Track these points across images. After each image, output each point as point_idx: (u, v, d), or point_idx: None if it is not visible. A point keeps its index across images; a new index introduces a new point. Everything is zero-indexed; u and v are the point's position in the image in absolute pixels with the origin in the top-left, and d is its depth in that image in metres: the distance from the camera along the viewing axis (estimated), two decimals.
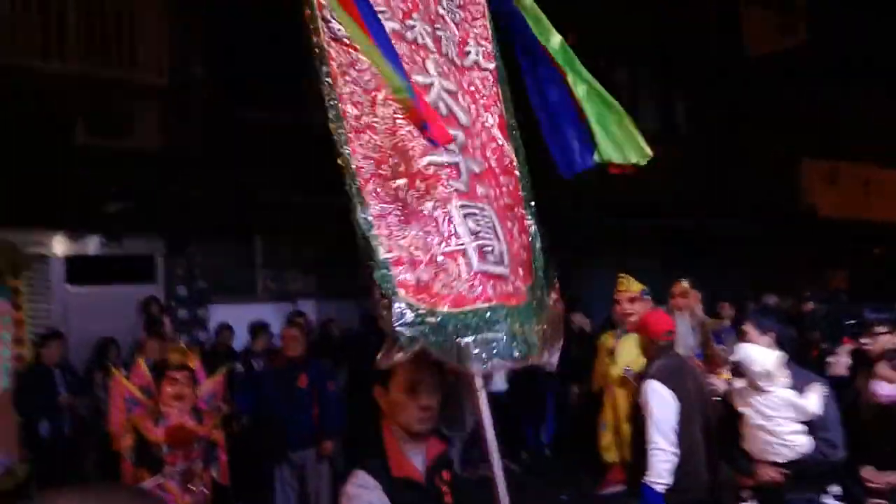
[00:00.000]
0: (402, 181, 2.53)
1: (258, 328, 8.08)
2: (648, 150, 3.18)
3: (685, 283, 6.80)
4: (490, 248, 2.61)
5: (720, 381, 5.03)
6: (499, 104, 3.02)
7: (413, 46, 2.74)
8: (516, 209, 2.89)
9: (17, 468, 5.26)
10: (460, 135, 2.79)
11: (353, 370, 7.35)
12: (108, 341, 7.64)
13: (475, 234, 2.59)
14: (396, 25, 2.71)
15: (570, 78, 3.13)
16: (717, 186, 12.70)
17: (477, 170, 2.78)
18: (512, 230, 2.80)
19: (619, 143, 3.15)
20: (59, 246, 8.25)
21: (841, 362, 5.38)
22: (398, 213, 2.48)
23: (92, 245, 8.41)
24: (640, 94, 13.04)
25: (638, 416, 4.21)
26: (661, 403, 4.03)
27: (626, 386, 5.65)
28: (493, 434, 2.52)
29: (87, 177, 7.48)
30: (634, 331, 4.95)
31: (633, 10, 11.47)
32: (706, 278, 11.75)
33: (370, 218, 2.43)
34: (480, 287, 2.49)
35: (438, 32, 2.89)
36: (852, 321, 6.57)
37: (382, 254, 2.37)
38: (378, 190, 2.49)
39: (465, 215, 2.60)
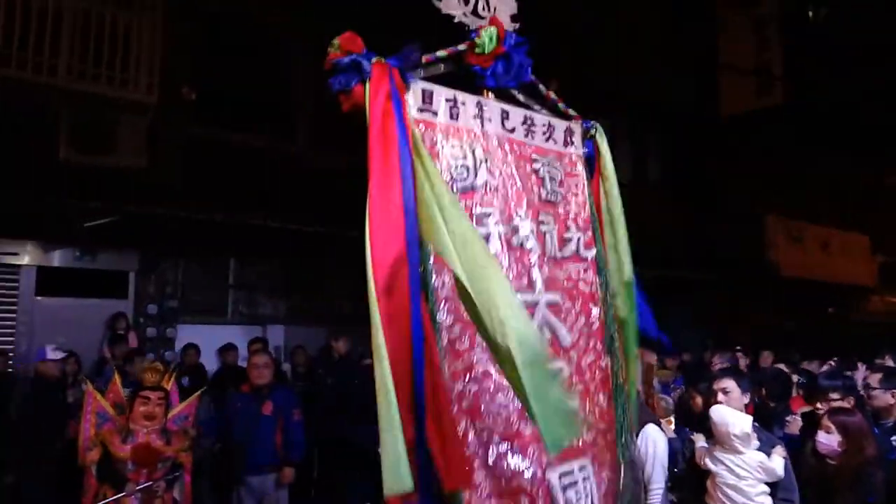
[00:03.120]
0: (504, 446, 2.39)
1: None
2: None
3: None
4: None
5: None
6: (598, 300, 2.92)
7: (518, 254, 2.65)
8: (608, 435, 2.83)
9: None
10: (564, 367, 2.70)
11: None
12: (67, 355, 7.55)
13: None
14: (503, 229, 2.60)
15: None
16: (683, 237, 13.03)
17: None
18: (604, 467, 2.76)
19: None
20: (31, 256, 8.19)
21: (797, 422, 5.52)
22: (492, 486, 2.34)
23: (64, 257, 8.36)
24: (616, 143, 13.40)
25: None
26: None
27: None
28: None
29: (67, 190, 7.50)
30: None
31: (617, 61, 11.85)
32: (667, 327, 12.07)
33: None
34: None
35: (543, 228, 2.81)
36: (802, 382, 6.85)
37: None
38: (479, 458, 2.34)
39: (564, 487, 2.53)
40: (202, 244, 8.94)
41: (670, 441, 5.62)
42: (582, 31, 11.65)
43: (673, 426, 6.02)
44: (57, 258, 8.32)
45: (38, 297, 8.22)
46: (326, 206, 9.64)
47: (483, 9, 2.87)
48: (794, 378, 6.79)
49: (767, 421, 5.21)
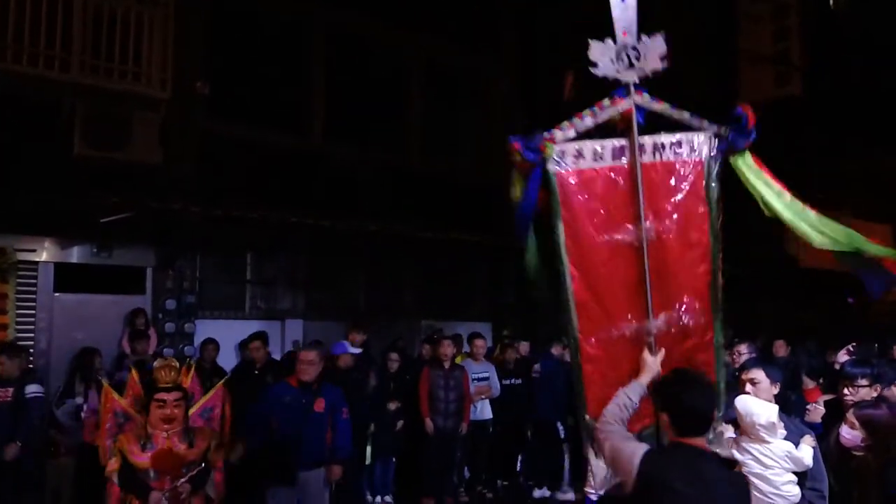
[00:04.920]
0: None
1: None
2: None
3: None
4: None
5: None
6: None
7: None
8: None
9: None
10: None
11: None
12: (91, 351, 7.56)
13: None
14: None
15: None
16: None
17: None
18: None
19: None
20: (48, 253, 8.18)
21: (818, 411, 5.46)
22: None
23: (81, 253, 8.35)
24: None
25: None
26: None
27: None
28: None
29: (82, 186, 7.49)
30: None
31: None
32: None
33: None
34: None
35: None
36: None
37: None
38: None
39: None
40: (219, 239, 8.92)
41: None
42: (601, 22, 11.52)
43: None
44: (74, 254, 8.30)
45: (57, 294, 8.21)
46: (343, 201, 9.63)
47: (634, 59, 3.42)
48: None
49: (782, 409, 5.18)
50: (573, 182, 3.47)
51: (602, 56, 3.44)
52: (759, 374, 4.32)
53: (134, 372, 5.09)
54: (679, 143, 3.60)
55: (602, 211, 3.47)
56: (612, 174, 3.52)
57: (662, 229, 3.49)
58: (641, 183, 3.44)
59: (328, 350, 7.69)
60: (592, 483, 4.80)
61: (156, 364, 4.58)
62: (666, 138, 3.58)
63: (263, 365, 7.70)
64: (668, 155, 3.59)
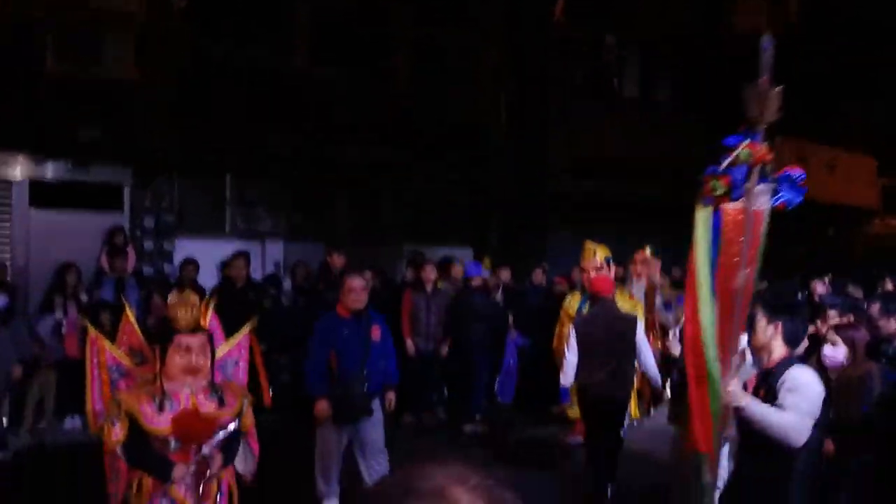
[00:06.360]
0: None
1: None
2: None
3: (647, 251, 7.12)
4: None
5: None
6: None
7: None
8: None
9: None
10: None
11: None
12: (69, 266, 7.51)
13: None
14: None
15: None
16: (689, 156, 12.83)
17: None
18: None
19: None
20: (23, 169, 8.02)
21: (802, 345, 5.56)
22: None
23: (56, 170, 8.19)
24: (627, 61, 13.07)
25: None
26: (570, 335, 5.73)
27: None
28: None
29: (55, 102, 7.30)
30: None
31: None
32: (671, 245, 12.05)
33: None
34: None
35: None
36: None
37: None
38: None
39: None
40: (198, 159, 8.76)
41: None
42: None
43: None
44: (49, 171, 8.16)
45: (32, 210, 8.10)
46: (325, 124, 9.45)
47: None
48: None
49: None
50: (725, 220, 3.62)
51: (750, 98, 3.62)
52: (757, 312, 4.40)
53: (129, 313, 3.85)
54: (762, 193, 3.75)
55: (733, 253, 3.59)
56: (737, 216, 3.63)
57: (748, 276, 3.65)
58: (751, 229, 3.59)
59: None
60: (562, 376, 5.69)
61: (171, 300, 3.50)
62: (760, 188, 3.69)
63: (244, 284, 7.70)
64: (757, 204, 3.74)
